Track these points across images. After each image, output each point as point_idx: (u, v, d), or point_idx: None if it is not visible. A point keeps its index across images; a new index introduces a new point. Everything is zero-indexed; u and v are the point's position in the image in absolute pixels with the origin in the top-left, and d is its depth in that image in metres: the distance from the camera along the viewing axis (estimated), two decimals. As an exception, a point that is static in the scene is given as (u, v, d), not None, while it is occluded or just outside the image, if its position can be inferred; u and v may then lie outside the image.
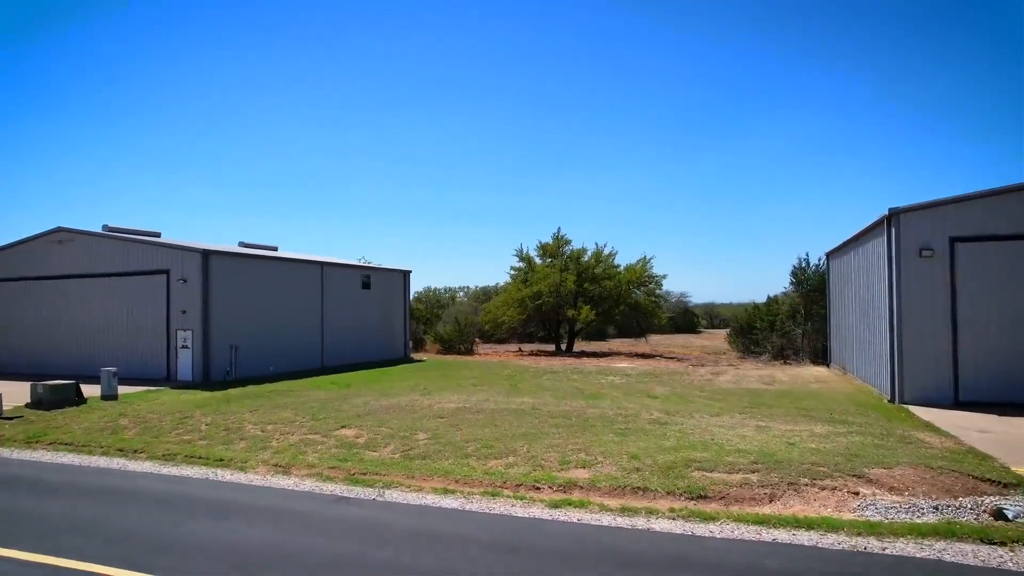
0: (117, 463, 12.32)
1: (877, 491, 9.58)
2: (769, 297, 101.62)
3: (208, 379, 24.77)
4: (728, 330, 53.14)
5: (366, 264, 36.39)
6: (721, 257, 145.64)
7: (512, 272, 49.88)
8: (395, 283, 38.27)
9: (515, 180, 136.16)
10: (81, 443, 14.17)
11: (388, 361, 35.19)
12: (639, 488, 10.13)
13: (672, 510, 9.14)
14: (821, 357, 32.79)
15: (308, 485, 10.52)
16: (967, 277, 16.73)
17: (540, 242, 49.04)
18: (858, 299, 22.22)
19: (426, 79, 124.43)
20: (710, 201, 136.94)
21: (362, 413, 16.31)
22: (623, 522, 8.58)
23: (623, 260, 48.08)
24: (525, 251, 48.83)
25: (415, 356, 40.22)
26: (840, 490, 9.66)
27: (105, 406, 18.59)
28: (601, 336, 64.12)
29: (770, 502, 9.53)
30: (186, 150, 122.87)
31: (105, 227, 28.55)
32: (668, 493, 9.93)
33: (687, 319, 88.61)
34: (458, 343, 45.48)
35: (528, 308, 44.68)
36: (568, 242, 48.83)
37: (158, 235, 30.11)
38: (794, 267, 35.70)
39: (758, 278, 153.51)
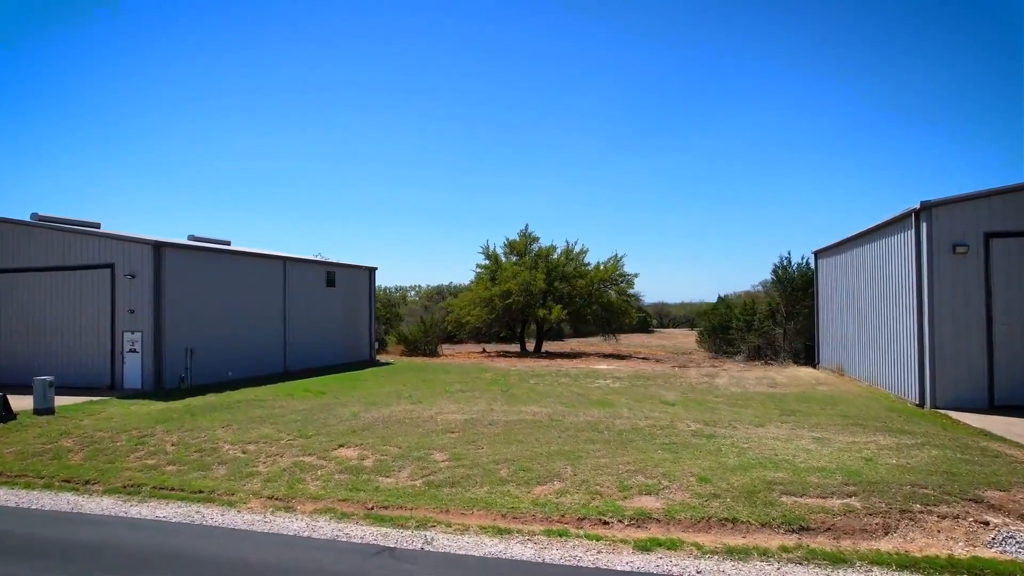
0: (66, 500, 9.87)
1: (1007, 520, 8.30)
2: (720, 297, 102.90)
3: (160, 387, 21.93)
4: (698, 329, 52.72)
5: (330, 260, 33.79)
6: (670, 257, 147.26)
7: (478, 270, 47.92)
8: (360, 281, 35.81)
9: (466, 178, 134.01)
10: (14, 472, 11.57)
11: (354, 364, 32.74)
12: (727, 520, 8.56)
13: (784, 549, 7.61)
14: (805, 357, 32.32)
15: (327, 527, 8.46)
16: (1002, 274, 16.00)
17: (507, 239, 47.34)
18: (866, 298, 21.43)
19: (377, 76, 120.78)
20: (659, 202, 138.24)
21: (356, 428, 14.19)
22: (746, 571, 6.95)
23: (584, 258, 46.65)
24: (492, 248, 46.98)
25: (380, 358, 37.84)
26: (963, 519, 8.34)
27: (41, 423, 15.78)
28: (559, 336, 62.96)
29: (886, 535, 8.12)
30: (125, 142, 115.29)
31: (35, 216, 25.11)
32: (763, 525, 8.41)
33: (640, 318, 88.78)
34: (423, 344, 43.29)
35: (497, 307, 42.83)
36: (536, 239, 47.34)
37: (97, 226, 26.81)
38: (775, 266, 35.22)
39: (708, 278, 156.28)
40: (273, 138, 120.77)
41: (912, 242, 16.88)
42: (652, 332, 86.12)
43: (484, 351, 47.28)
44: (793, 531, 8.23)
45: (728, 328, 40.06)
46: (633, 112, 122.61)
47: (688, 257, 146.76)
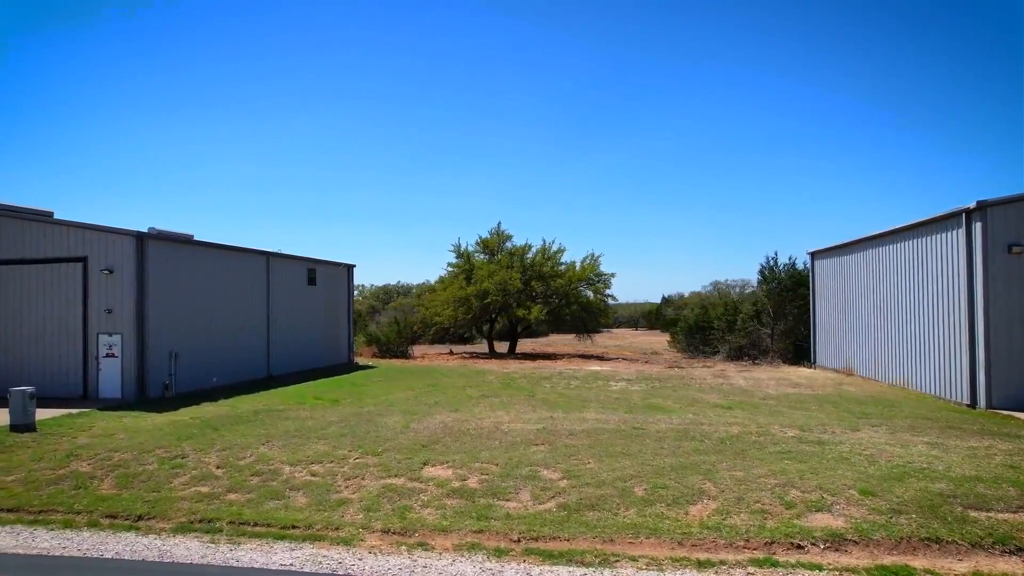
0: (141, 544, 7.94)
1: None
2: (664, 298, 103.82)
3: (144, 396, 19.40)
4: (672, 330, 52.94)
5: (311, 257, 31.26)
6: (609, 258, 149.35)
7: (449, 269, 46.26)
8: (339, 279, 33.60)
9: (408, 179, 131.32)
10: (36, 507, 9.46)
11: (337, 367, 30.58)
12: (930, 540, 7.81)
13: (1033, 576, 6.84)
14: (794, 357, 32.62)
15: (507, 570, 7.10)
16: (1053, 274, 16.17)
17: (480, 236, 46.02)
18: (891, 298, 21.52)
19: (303, 76, 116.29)
20: (599, 203, 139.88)
21: (424, 442, 12.64)
22: (1038, 607, 6.11)
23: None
24: (464, 247, 45.42)
25: (357, 360, 35.65)
26: None
27: (27, 442, 13.36)
28: (513, 337, 61.94)
29: (1111, 553, 7.51)
30: (76, 134, 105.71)
31: (-21, 201, 21.85)
32: (973, 545, 7.71)
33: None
34: (396, 345, 41.33)
35: (474, 307, 41.36)
36: (509, 237, 46.22)
37: (50, 215, 23.63)
38: (762, 266, 35.47)
39: (648, 279, 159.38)
40: (201, 135, 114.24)
41: (962, 242, 16.87)
42: (600, 332, 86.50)
43: (451, 352, 45.74)
44: (1010, 552, 7.56)
45: (709, 328, 40.21)
46: (574, 116, 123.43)
47: (628, 258, 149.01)
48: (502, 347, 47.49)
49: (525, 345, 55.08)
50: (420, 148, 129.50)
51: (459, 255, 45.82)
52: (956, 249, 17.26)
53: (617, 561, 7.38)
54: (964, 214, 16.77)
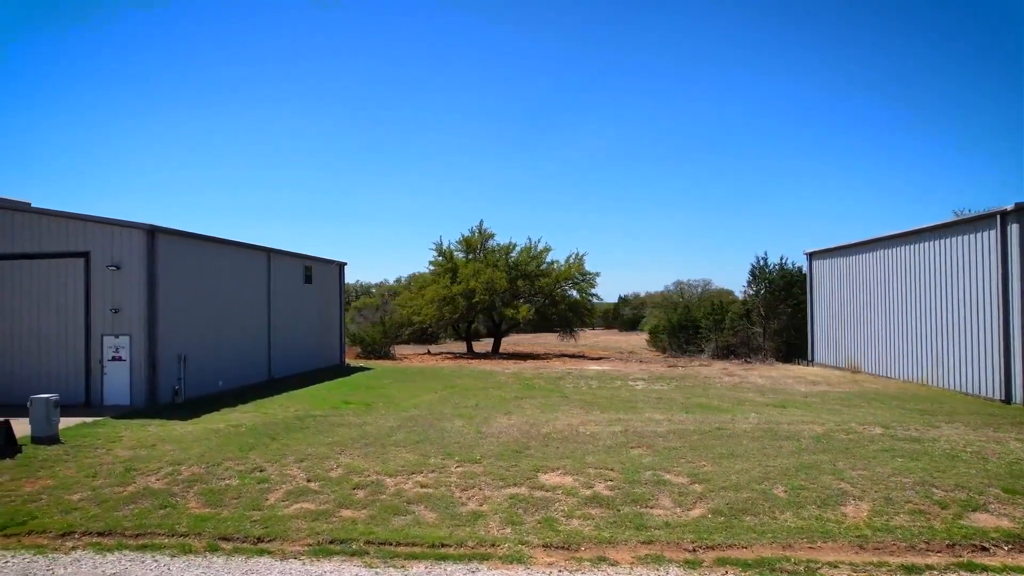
0: (291, 571, 7.05)
1: None
2: (621, 297, 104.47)
3: (154, 402, 17.93)
4: (649, 327, 53.48)
5: (305, 254, 29.77)
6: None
7: (432, 268, 45.30)
8: (332, 278, 32.29)
9: (367, 178, 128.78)
10: (127, 529, 8.40)
11: (333, 369, 29.35)
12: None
13: None
14: (786, 355, 33.35)
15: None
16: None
17: (463, 235, 45.31)
18: (910, 297, 22.16)
19: (267, 72, 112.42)
20: (560, 201, 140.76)
21: (515, 447, 12.07)
22: None
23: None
24: (447, 246, 44.58)
25: (348, 362, 34.34)
26: None
27: (62, 455, 12.03)
28: (477, 336, 61.48)
29: None
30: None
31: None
32: None
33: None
34: (381, 346, 40.16)
35: (460, 306, 40.63)
36: (491, 236, 45.67)
37: (27, 205, 21.68)
38: (753, 266, 36.09)
39: (603, 279, 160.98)
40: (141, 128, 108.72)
41: (996, 243, 17.44)
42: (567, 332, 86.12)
43: (429, 352, 44.93)
44: None
45: (696, 327, 40.74)
46: (529, 114, 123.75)
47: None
48: (479, 347, 46.92)
49: (504, 345, 54.60)
50: (376, 147, 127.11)
51: (441, 254, 44.95)
52: (989, 250, 17.86)
53: (818, 568, 7.05)
54: (999, 216, 17.36)
